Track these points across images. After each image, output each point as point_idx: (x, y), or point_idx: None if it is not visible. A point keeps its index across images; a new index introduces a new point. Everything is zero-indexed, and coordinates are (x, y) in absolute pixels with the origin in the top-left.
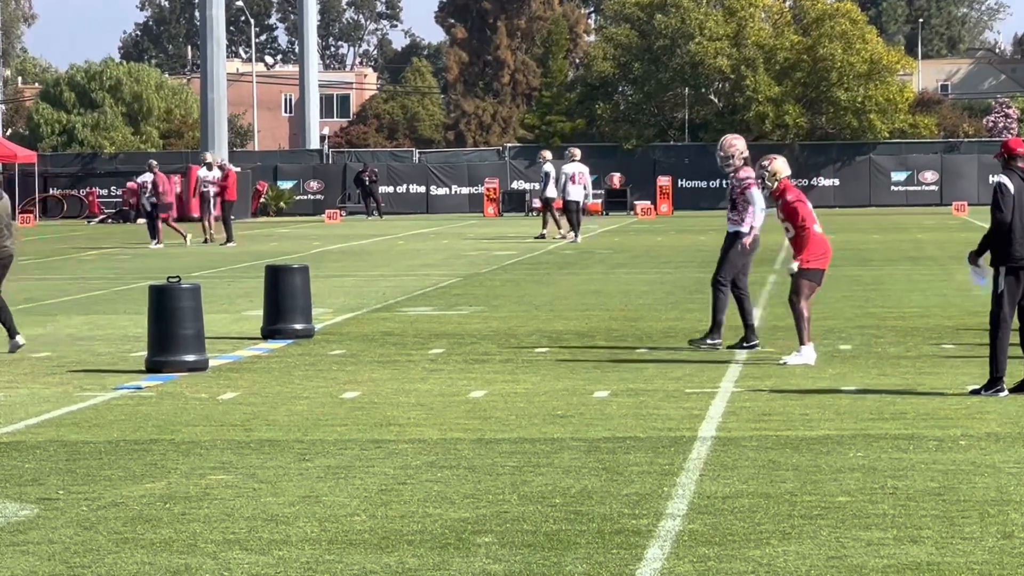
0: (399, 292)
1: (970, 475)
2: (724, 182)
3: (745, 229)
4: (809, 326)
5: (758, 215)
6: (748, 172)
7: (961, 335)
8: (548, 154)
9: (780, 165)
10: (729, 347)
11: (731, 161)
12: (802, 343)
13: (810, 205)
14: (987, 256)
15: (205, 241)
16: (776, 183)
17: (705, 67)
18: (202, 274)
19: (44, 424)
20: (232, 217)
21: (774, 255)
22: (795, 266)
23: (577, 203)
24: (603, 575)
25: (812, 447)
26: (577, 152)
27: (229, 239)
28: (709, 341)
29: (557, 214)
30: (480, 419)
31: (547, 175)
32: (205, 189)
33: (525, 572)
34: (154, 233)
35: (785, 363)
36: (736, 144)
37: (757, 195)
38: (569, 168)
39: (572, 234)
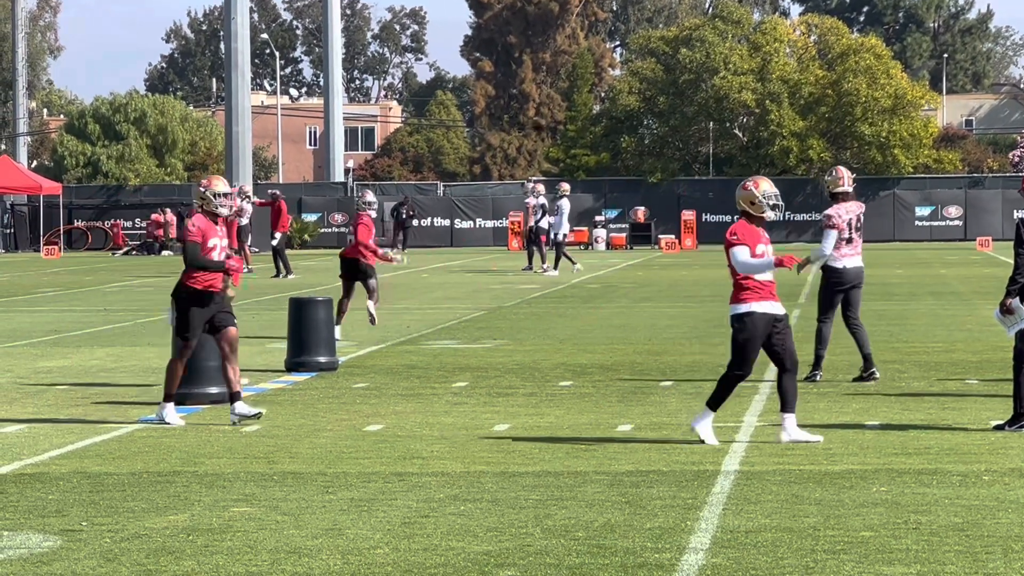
0: (423, 325)
1: (994, 510)
2: None
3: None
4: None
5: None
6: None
7: (985, 370)
8: (541, 187)
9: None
10: (855, 379)
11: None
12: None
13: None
14: (1016, 302)
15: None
16: None
17: (730, 101)
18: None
19: (68, 456)
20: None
21: (798, 290)
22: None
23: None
24: None
25: (835, 481)
26: (541, 188)
27: (289, 271)
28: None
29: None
30: (503, 452)
31: (543, 207)
32: (244, 220)
33: None
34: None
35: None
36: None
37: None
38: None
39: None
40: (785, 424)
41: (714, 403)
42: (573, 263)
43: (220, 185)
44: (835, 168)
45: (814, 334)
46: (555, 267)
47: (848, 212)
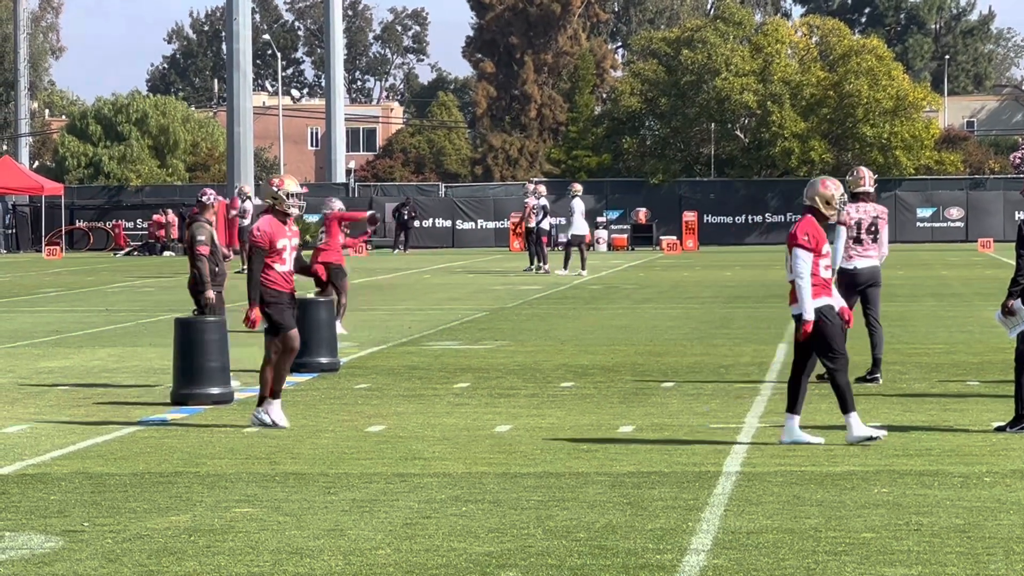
0: (425, 326)
1: (995, 512)
2: (749, 218)
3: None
4: None
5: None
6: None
7: (986, 372)
8: (543, 188)
9: None
10: (857, 379)
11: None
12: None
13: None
14: (1018, 304)
15: (241, 270)
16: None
17: (731, 103)
18: (228, 307)
19: (69, 456)
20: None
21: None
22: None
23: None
24: None
25: (837, 483)
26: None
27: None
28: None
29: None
30: (505, 453)
31: (545, 208)
32: (246, 220)
33: None
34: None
35: None
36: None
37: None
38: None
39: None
40: (788, 424)
41: (846, 405)
42: (582, 268)
43: (292, 185)
44: (857, 168)
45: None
46: (564, 266)
47: (859, 212)
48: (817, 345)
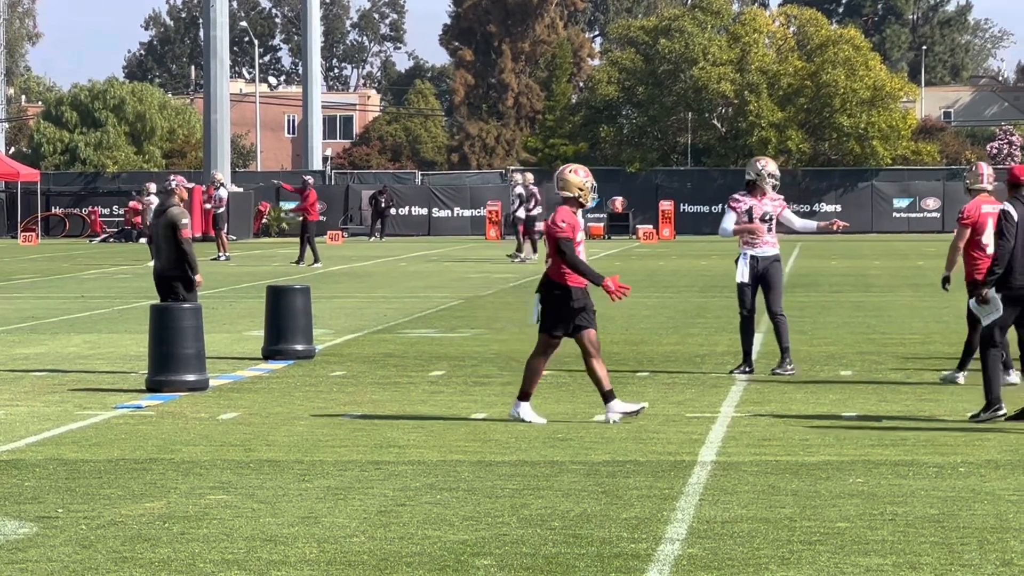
0: (400, 314)
1: (969, 502)
2: (726, 207)
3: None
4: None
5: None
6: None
7: None
8: (519, 176)
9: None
10: (730, 372)
11: (776, 183)
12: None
13: None
14: (992, 292)
15: (217, 258)
16: None
17: (708, 92)
18: (203, 294)
19: (44, 442)
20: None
21: None
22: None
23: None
24: None
25: (812, 472)
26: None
27: (316, 259)
28: (791, 369)
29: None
30: (480, 441)
31: (520, 196)
32: (221, 208)
33: None
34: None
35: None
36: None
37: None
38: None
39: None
40: None
41: None
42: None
43: (590, 178)
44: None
45: (774, 328)
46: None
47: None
48: None
